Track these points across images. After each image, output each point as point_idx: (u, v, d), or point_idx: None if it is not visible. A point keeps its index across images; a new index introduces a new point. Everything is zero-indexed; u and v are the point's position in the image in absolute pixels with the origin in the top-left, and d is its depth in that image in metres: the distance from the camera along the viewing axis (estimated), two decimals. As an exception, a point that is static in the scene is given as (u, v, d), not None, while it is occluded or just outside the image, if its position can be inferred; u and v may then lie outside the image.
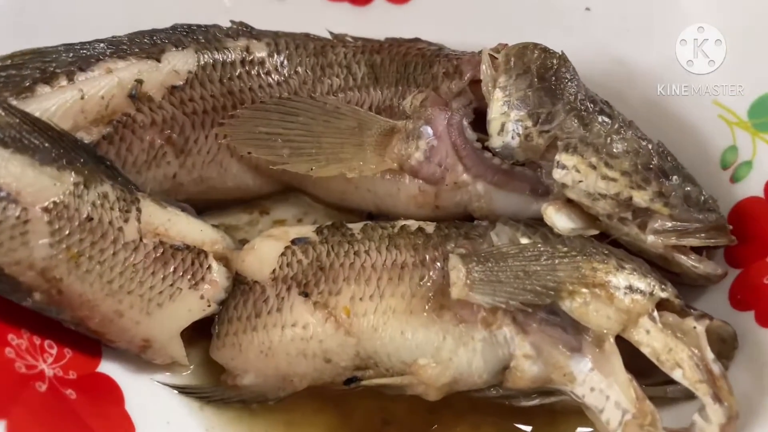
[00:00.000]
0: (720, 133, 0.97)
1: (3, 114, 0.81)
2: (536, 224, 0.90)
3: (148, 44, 0.94)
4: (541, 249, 0.85)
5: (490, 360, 0.86)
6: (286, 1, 1.08)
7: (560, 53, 0.91)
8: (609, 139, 0.88)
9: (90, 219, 0.83)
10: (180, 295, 0.88)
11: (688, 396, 0.85)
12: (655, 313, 0.84)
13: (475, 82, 0.92)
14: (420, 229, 0.91)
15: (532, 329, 0.85)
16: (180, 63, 0.93)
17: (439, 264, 0.87)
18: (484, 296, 0.82)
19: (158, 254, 0.87)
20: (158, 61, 0.93)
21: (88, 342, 0.88)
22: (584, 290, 0.82)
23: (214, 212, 1.03)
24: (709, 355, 0.83)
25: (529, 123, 0.88)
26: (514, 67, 0.89)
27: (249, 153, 0.92)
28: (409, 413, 0.91)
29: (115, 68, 0.91)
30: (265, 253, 0.91)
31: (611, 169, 0.87)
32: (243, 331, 0.89)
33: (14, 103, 0.86)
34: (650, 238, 0.88)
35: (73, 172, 0.83)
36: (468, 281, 0.82)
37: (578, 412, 0.87)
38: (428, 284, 0.86)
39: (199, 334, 0.92)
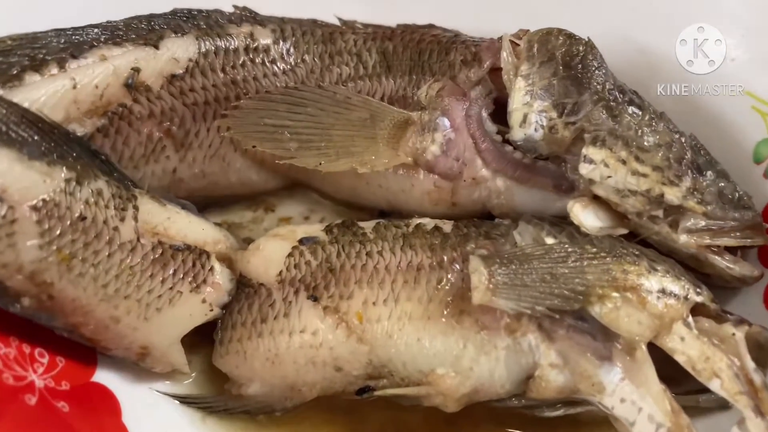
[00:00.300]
0: (753, 125, 0.94)
1: (-12, 104, 0.79)
2: (562, 223, 0.88)
3: (145, 30, 0.92)
4: (569, 250, 0.82)
5: (514, 369, 0.83)
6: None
7: (587, 39, 0.88)
8: (640, 131, 0.85)
9: (83, 218, 0.80)
10: (180, 299, 0.85)
11: (723, 406, 0.83)
12: (690, 319, 0.82)
13: (495, 71, 0.90)
14: (436, 228, 0.89)
15: (559, 336, 0.82)
16: (180, 50, 0.91)
17: (458, 266, 0.84)
18: (508, 301, 0.79)
19: (157, 255, 0.84)
20: (156, 48, 0.90)
21: (82, 349, 0.85)
22: (615, 294, 0.80)
23: (216, 209, 1.01)
24: (750, 365, 0.80)
25: (554, 114, 0.86)
26: (538, 54, 0.87)
27: (253, 147, 0.90)
28: (425, 425, 0.89)
29: (110, 55, 0.89)
30: (271, 253, 0.89)
31: (642, 164, 0.84)
32: (248, 338, 0.87)
33: (0, 92, 0.83)
34: (683, 238, 0.86)
35: (64, 168, 0.80)
36: (491, 285, 0.79)
37: (605, 422, 0.84)
38: (447, 288, 0.84)
39: (201, 339, 0.90)
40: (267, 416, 0.89)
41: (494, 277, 0.79)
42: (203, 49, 0.92)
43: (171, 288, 0.84)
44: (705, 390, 0.82)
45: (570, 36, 0.88)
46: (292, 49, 0.95)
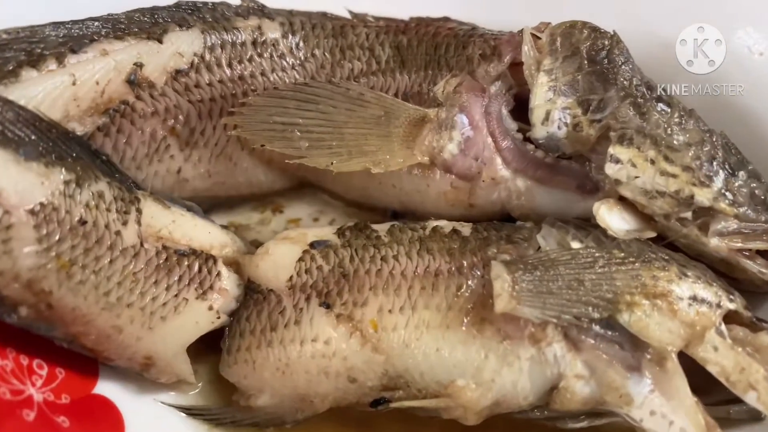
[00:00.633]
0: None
1: (-18, 102, 0.78)
2: (587, 226, 0.86)
3: (148, 23, 0.90)
4: (596, 255, 0.80)
5: (538, 380, 0.80)
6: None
7: (612, 32, 0.87)
8: (669, 129, 0.84)
9: (83, 222, 0.78)
10: (186, 306, 0.83)
11: (755, 417, 0.82)
12: (723, 327, 0.80)
13: (516, 65, 0.88)
14: (455, 231, 0.87)
15: (586, 346, 0.80)
16: (184, 44, 0.90)
17: (478, 272, 0.82)
18: (533, 309, 0.77)
19: (161, 261, 0.83)
20: (160, 42, 0.89)
21: (83, 360, 0.84)
22: (644, 301, 0.78)
23: (222, 210, 1.00)
24: (788, 376, 0.78)
25: (578, 111, 0.84)
26: (561, 48, 0.85)
27: (262, 146, 0.88)
28: (443, 438, 0.88)
29: (111, 50, 0.87)
30: (280, 258, 0.87)
31: (671, 164, 0.83)
32: (257, 347, 0.85)
33: (-4, 90, 0.82)
34: (713, 241, 0.84)
35: (63, 169, 0.78)
36: (514, 292, 0.76)
37: (629, 433, 0.83)
38: (467, 295, 0.81)
39: (208, 348, 0.88)
40: (277, 428, 0.88)
41: (518, 283, 0.77)
42: (209, 44, 0.91)
43: (176, 295, 0.83)
44: (735, 400, 0.80)
45: (595, 29, 0.87)
46: (301, 43, 0.94)
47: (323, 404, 0.85)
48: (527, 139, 0.87)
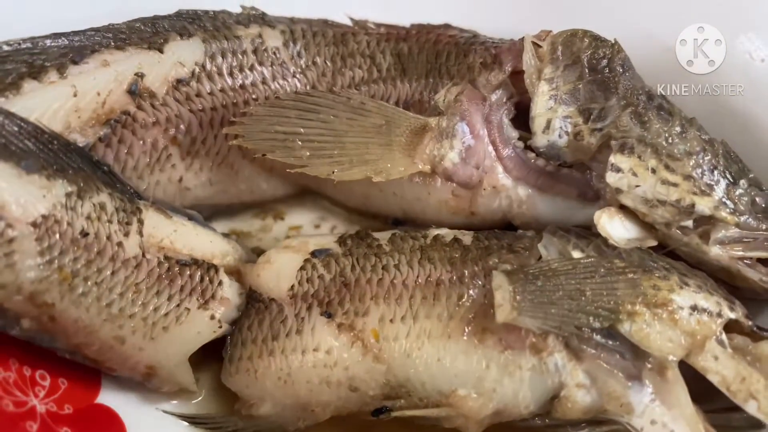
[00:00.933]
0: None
1: (-17, 115, 0.78)
2: (588, 235, 0.85)
3: (149, 33, 0.90)
4: (597, 264, 0.79)
5: (539, 390, 0.80)
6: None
7: (613, 41, 0.86)
8: (670, 138, 0.84)
9: (85, 234, 0.78)
10: (188, 316, 0.83)
11: (755, 425, 0.81)
12: (724, 336, 0.80)
13: (517, 74, 0.87)
14: (456, 239, 0.86)
15: (587, 355, 0.79)
16: (185, 54, 0.89)
17: (480, 281, 0.82)
18: (535, 320, 0.76)
19: (163, 271, 0.82)
20: (161, 51, 0.89)
21: (85, 370, 0.84)
22: (645, 311, 0.78)
23: (224, 217, 1.00)
24: (789, 386, 0.78)
25: (580, 120, 0.84)
26: (562, 57, 0.85)
27: (263, 155, 0.87)
28: (442, 446, 0.87)
29: (112, 60, 0.87)
30: (282, 266, 0.87)
31: (672, 173, 0.83)
32: (258, 356, 0.85)
33: (-3, 102, 0.82)
34: (714, 250, 0.84)
35: (64, 181, 0.78)
36: (516, 303, 0.76)
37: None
38: (468, 305, 0.81)
39: (210, 356, 0.88)
40: (278, 437, 0.86)
41: (519, 294, 0.76)
42: (210, 53, 0.90)
43: (178, 305, 0.82)
44: (736, 408, 0.79)
45: (596, 38, 0.86)
46: (302, 51, 0.93)
47: (325, 413, 0.84)
48: (528, 148, 0.87)
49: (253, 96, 0.91)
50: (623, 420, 0.79)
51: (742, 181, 0.84)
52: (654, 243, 0.84)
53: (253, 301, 0.87)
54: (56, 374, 0.82)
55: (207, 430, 0.87)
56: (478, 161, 0.86)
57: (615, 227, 0.83)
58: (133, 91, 0.86)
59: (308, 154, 0.84)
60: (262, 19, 0.94)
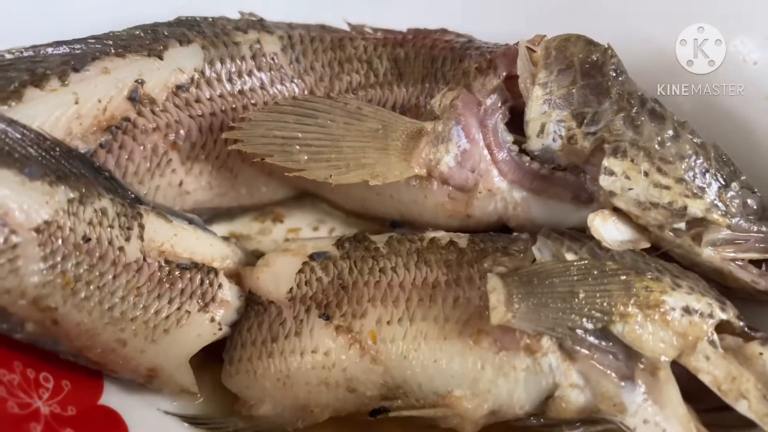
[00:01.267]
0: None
1: (-14, 123, 0.78)
2: (582, 237, 0.85)
3: (149, 40, 0.90)
4: (590, 266, 0.79)
5: (533, 390, 0.80)
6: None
7: (606, 45, 0.86)
8: (662, 141, 0.84)
9: (87, 239, 0.78)
10: (188, 319, 0.83)
11: (748, 424, 0.80)
12: (715, 337, 0.80)
13: (511, 79, 0.88)
14: (452, 242, 0.87)
15: (580, 356, 0.79)
16: (185, 60, 0.90)
17: (475, 284, 0.82)
18: (528, 322, 0.76)
19: (164, 275, 0.83)
20: (161, 58, 0.89)
21: (88, 372, 0.84)
22: (637, 312, 0.78)
23: (223, 220, 1.00)
24: (779, 386, 0.78)
25: (573, 124, 0.84)
26: (556, 62, 0.85)
27: (262, 159, 0.87)
28: (439, 445, 0.87)
29: (113, 68, 0.87)
30: (280, 269, 0.87)
31: (665, 176, 0.83)
32: (258, 357, 0.85)
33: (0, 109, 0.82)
34: (706, 251, 0.85)
35: (67, 187, 0.79)
36: (510, 305, 0.76)
37: (625, 441, 0.82)
38: (463, 307, 0.81)
39: (210, 357, 0.88)
40: (278, 437, 0.87)
41: (513, 296, 0.76)
42: (209, 59, 0.91)
43: (178, 308, 0.83)
44: (727, 407, 0.79)
45: (589, 42, 0.86)
46: (300, 57, 0.94)
47: (323, 414, 0.84)
48: (523, 151, 0.87)
49: (252, 101, 0.91)
50: (616, 419, 0.79)
51: (734, 184, 0.84)
52: (647, 245, 0.85)
53: (252, 303, 0.87)
54: (60, 376, 0.82)
55: (208, 431, 0.87)
56: (473, 165, 0.87)
57: (608, 229, 0.84)
58: (134, 98, 0.87)
59: (306, 158, 0.85)
60: (260, 24, 0.95)
